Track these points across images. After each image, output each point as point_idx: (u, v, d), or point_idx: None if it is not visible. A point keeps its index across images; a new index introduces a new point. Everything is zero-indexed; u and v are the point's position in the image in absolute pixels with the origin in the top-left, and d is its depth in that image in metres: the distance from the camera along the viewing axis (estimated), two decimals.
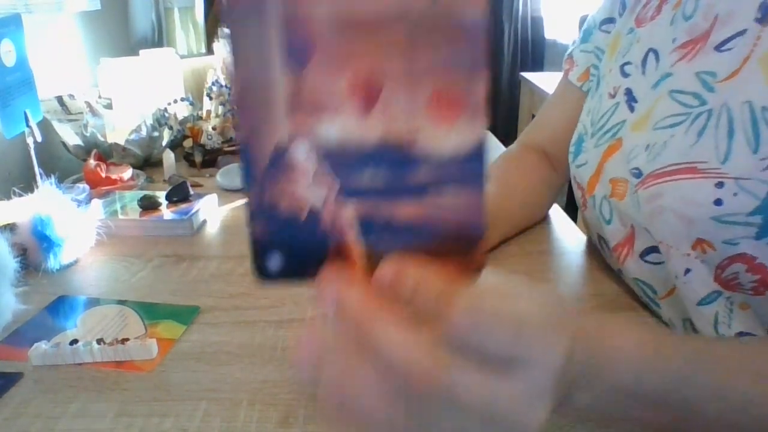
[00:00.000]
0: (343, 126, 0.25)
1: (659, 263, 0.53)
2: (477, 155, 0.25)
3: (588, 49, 0.72)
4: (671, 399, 0.32)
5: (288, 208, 0.27)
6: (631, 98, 0.58)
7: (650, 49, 0.58)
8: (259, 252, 0.27)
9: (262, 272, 0.28)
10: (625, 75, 0.61)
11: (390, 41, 0.24)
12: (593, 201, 0.61)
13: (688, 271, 0.49)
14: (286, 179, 0.26)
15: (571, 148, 0.67)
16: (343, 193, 0.26)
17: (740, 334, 0.48)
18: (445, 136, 0.25)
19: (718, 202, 0.44)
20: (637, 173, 0.52)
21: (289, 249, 0.27)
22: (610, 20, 0.70)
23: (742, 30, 0.48)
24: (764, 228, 0.43)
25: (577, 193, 0.66)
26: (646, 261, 0.55)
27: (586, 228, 0.69)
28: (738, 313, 0.48)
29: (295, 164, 0.26)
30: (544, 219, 0.80)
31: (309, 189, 0.26)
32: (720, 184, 0.45)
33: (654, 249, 0.53)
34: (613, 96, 0.61)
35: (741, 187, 0.44)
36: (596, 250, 0.70)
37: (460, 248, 0.27)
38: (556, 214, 0.83)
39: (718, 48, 0.49)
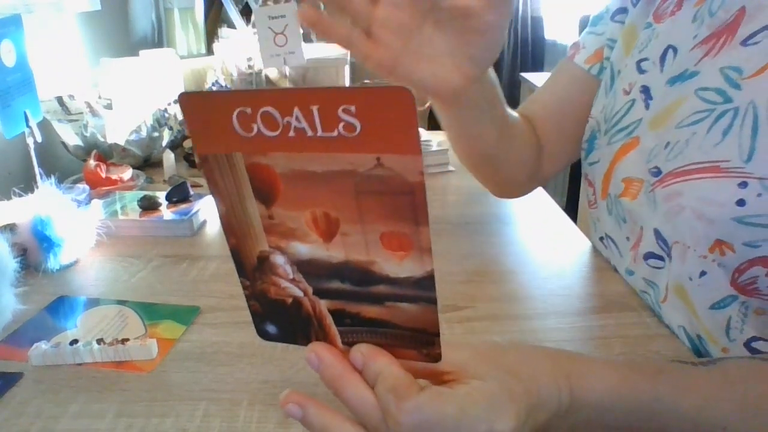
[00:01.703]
0: (310, 249, 0.30)
1: (660, 268, 0.53)
2: (428, 282, 0.29)
3: (597, 32, 0.69)
4: (645, 427, 0.37)
5: (276, 295, 0.33)
6: (647, 96, 0.57)
7: (669, 46, 0.56)
8: (257, 321, 0.35)
9: (261, 335, 0.35)
10: (641, 71, 0.59)
11: (341, 190, 0.27)
12: (609, 200, 0.60)
13: (703, 273, 0.48)
14: (271, 276, 0.32)
15: (584, 145, 0.66)
16: (316, 293, 0.32)
17: (752, 339, 0.47)
18: (398, 267, 0.29)
19: (740, 202, 0.43)
20: (656, 172, 0.51)
21: (280, 323, 0.35)
22: (623, 10, 0.67)
23: None
24: None
25: (588, 191, 0.65)
26: (647, 264, 0.54)
27: (590, 226, 0.69)
28: (752, 318, 0.47)
29: (276, 268, 0.32)
30: (546, 220, 0.80)
31: (290, 285, 0.32)
32: (743, 184, 0.43)
33: (653, 255, 0.53)
34: (628, 93, 0.60)
35: (766, 187, 0.42)
36: (597, 250, 0.70)
37: (418, 344, 0.32)
38: (556, 214, 0.83)
39: (745, 42, 0.47)
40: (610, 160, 0.59)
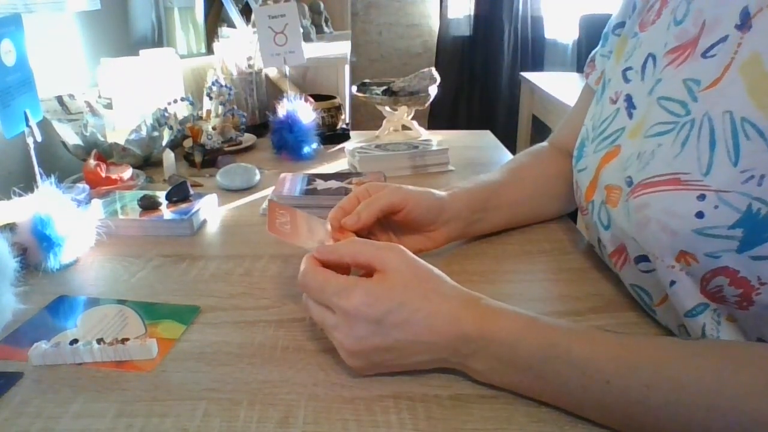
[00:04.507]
0: None
1: (652, 270, 0.53)
2: None
3: (605, 53, 0.72)
4: (542, 370, 0.43)
5: None
6: (630, 105, 0.58)
7: (649, 54, 0.57)
8: None
9: None
10: (626, 80, 0.60)
11: None
12: (592, 206, 0.61)
13: (673, 282, 0.48)
14: None
15: (574, 152, 0.67)
16: None
17: None
18: None
19: (699, 214, 0.44)
20: (629, 182, 0.52)
21: None
22: (621, 24, 0.69)
23: (724, 36, 0.47)
24: (745, 241, 0.42)
25: (578, 197, 0.66)
26: (639, 269, 0.55)
27: (587, 231, 0.69)
28: (725, 326, 0.47)
29: None
30: (551, 220, 0.80)
31: None
32: (702, 197, 0.44)
33: (645, 258, 0.53)
34: (614, 102, 0.61)
35: (722, 199, 0.43)
36: (596, 250, 0.70)
37: None
38: None
39: (704, 54, 0.49)
40: (595, 168, 0.60)
